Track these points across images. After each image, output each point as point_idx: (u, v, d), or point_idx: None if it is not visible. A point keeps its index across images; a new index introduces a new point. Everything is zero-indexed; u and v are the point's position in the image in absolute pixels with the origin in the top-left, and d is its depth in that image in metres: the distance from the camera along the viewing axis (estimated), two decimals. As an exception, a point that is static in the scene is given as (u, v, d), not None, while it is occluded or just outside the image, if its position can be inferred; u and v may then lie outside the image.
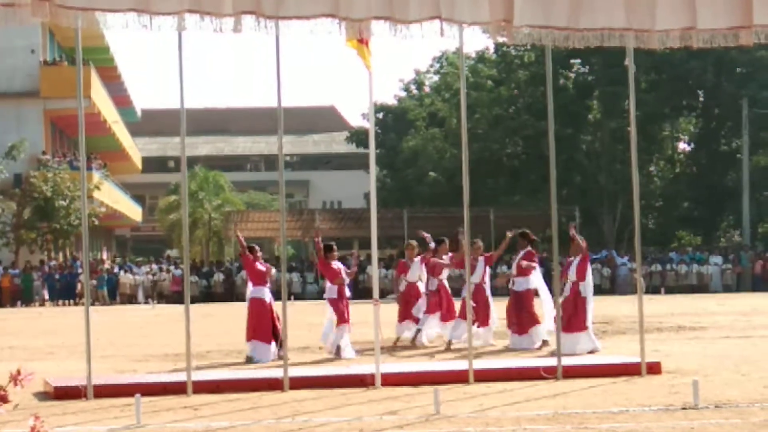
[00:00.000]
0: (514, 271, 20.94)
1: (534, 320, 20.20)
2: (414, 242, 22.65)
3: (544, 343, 19.91)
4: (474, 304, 18.75)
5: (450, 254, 21.75)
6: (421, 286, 21.56)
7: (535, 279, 20.61)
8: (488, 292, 21.06)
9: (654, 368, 15.28)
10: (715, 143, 64.19)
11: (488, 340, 20.83)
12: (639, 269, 16.55)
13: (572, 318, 18.76)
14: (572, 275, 19.34)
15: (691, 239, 65.74)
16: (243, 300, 26.01)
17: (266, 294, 18.61)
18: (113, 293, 51.63)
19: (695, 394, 12.00)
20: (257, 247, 19.39)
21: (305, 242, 66.45)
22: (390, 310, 22.24)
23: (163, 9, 11.92)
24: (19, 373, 4.32)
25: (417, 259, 21.79)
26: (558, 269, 16.28)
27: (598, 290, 49.27)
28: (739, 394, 12.84)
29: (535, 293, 20.53)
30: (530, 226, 60.56)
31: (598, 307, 31.91)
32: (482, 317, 20.54)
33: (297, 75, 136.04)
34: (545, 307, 20.21)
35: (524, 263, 20.46)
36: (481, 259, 21.01)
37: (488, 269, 21.29)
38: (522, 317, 20.22)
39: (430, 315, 21.17)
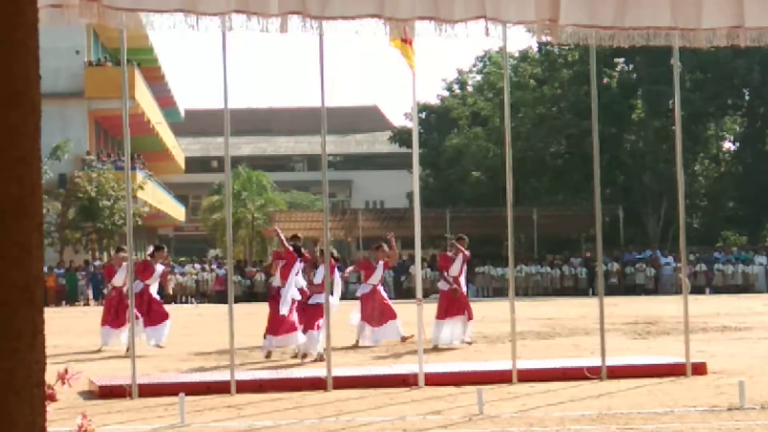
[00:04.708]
0: None
1: None
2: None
3: None
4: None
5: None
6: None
7: None
8: (384, 294, 22.38)
9: (699, 369, 15.19)
10: (761, 142, 63.72)
11: (392, 337, 21.51)
12: (684, 269, 16.46)
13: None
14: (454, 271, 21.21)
15: (736, 239, 65.27)
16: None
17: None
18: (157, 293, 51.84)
19: (741, 394, 11.91)
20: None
21: (348, 242, 66.55)
22: (433, 309, 22.21)
23: (210, 9, 11.98)
24: (66, 372, 4.35)
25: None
26: (602, 268, 16.21)
27: (643, 290, 49.52)
28: (786, 395, 12.74)
29: None
30: (573, 225, 60.39)
31: (643, 307, 31.87)
32: (380, 317, 21.53)
33: (340, 75, 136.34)
34: None
35: None
36: (380, 263, 22.10)
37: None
38: None
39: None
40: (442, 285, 21.49)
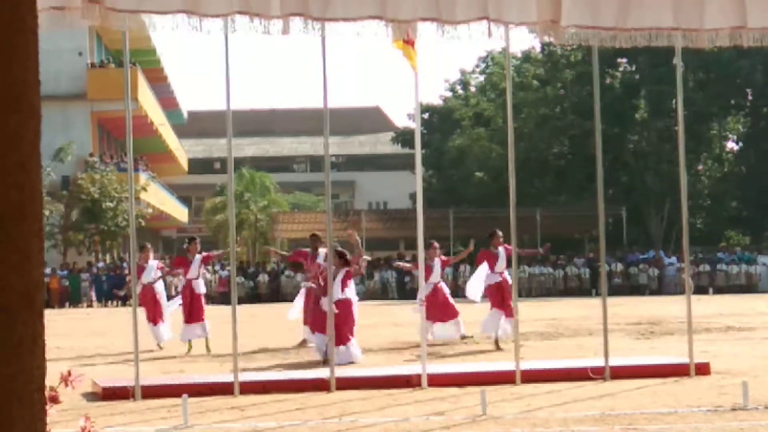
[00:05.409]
0: None
1: None
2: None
3: None
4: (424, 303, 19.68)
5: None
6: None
7: None
8: (447, 291, 22.31)
9: (703, 369, 15.17)
10: (764, 142, 63.68)
11: (453, 335, 21.59)
12: (687, 269, 16.45)
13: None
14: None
15: (739, 239, 65.24)
16: (288, 301, 25.95)
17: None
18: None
19: (745, 395, 11.90)
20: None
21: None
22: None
23: (212, 11, 11.98)
24: (69, 374, 4.35)
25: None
26: (605, 269, 16.20)
27: (646, 290, 49.49)
28: (790, 396, 12.72)
29: None
30: (576, 226, 60.26)
31: (646, 307, 31.74)
32: (443, 314, 21.49)
33: (342, 76, 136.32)
34: None
35: None
36: (437, 260, 22.02)
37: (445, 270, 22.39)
38: None
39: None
40: (489, 279, 21.18)
